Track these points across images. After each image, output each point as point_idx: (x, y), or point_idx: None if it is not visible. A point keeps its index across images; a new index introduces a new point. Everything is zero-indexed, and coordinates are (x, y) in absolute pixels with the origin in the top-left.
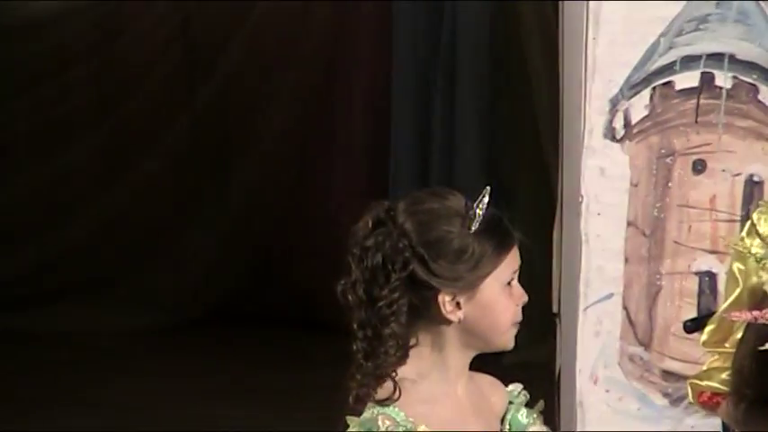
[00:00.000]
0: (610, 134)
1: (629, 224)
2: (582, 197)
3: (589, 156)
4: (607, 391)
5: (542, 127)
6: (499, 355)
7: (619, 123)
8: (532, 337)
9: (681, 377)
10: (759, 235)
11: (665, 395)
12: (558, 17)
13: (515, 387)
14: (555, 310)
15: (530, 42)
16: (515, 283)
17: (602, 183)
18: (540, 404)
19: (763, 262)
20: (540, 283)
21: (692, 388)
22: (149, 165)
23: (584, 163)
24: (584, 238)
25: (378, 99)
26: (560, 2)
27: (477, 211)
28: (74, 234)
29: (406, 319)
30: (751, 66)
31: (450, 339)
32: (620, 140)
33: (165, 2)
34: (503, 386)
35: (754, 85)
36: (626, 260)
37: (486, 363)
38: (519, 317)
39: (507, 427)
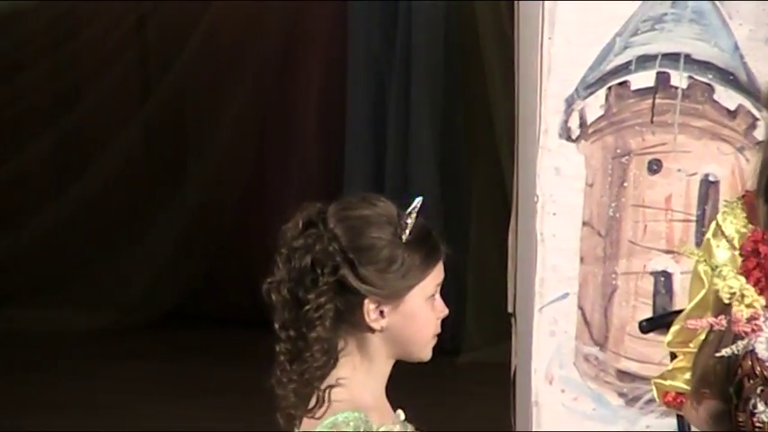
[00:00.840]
0: (565, 134)
1: (584, 224)
2: (537, 197)
3: (544, 155)
4: (563, 390)
5: (498, 127)
6: (455, 355)
7: (574, 123)
8: (488, 337)
9: (636, 377)
10: (725, 236)
11: (621, 395)
12: (513, 17)
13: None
14: (510, 309)
15: (485, 42)
16: (438, 296)
17: (557, 182)
18: (399, 413)
19: (718, 270)
20: (496, 283)
21: (656, 388)
22: (104, 165)
23: (540, 163)
24: (539, 237)
25: (333, 100)
26: (516, 2)
27: (409, 220)
28: (27, 234)
29: (332, 323)
30: (707, 65)
31: (376, 346)
32: (576, 140)
33: (120, 2)
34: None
35: (709, 84)
36: (581, 260)
37: (440, 363)
38: (438, 329)
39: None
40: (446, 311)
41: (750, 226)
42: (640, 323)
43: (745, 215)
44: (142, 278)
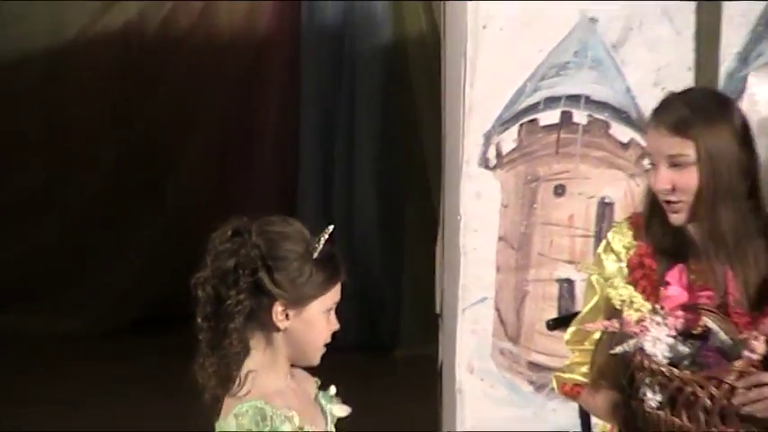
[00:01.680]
0: (484, 163)
1: (500, 239)
2: (460, 216)
3: (466, 181)
4: (482, 379)
5: (428, 157)
6: (392, 349)
7: (492, 154)
8: (421, 335)
9: (544, 368)
10: (613, 251)
11: (531, 383)
12: (440, 62)
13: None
14: (438, 311)
15: (418, 83)
16: (333, 313)
17: (477, 204)
18: (332, 389)
19: (609, 281)
20: (427, 288)
21: (556, 380)
22: (85, 181)
23: (463, 187)
24: (462, 250)
25: (288, 135)
26: (442, 52)
27: (320, 242)
28: (17, 246)
29: (245, 319)
30: (603, 105)
31: (278, 344)
32: (493, 168)
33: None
34: (311, 376)
35: (606, 121)
36: (497, 269)
37: (378, 357)
38: (329, 340)
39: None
40: (338, 326)
41: (635, 242)
42: (547, 322)
43: (631, 233)
44: (114, 285)
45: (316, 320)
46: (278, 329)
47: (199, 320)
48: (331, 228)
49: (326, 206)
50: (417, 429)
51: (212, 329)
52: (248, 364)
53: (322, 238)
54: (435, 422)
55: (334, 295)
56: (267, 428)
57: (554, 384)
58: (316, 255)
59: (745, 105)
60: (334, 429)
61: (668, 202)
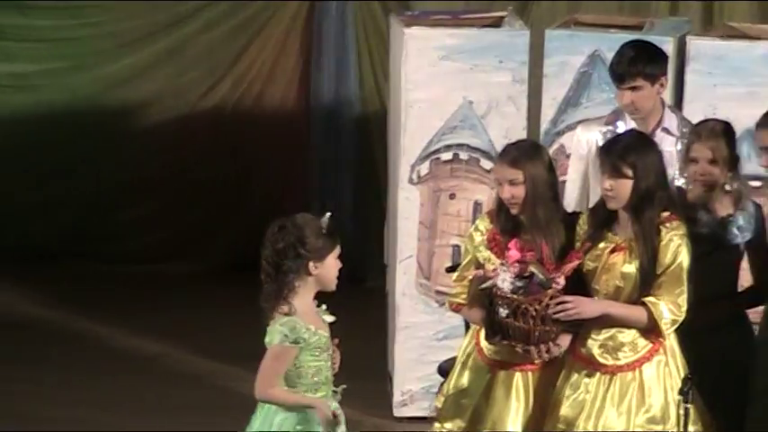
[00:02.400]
0: (411, 181)
1: (420, 222)
2: (398, 212)
3: (401, 191)
4: (410, 300)
5: (381, 178)
6: (363, 281)
7: (415, 176)
8: (382, 274)
9: (444, 294)
10: (479, 230)
11: (437, 302)
12: (387, 124)
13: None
14: (385, 262)
15: (374, 117)
16: (337, 259)
17: (407, 204)
18: (323, 306)
19: (477, 247)
20: (380, 249)
21: (448, 302)
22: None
23: (399, 194)
24: (399, 229)
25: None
26: (388, 118)
27: (325, 222)
28: None
29: (297, 275)
30: (476, 150)
31: (311, 282)
32: (416, 184)
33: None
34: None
35: (478, 158)
36: (418, 239)
37: (354, 285)
38: (337, 274)
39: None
40: (340, 265)
41: (490, 226)
42: (446, 268)
43: (488, 220)
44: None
45: (331, 265)
46: (311, 275)
47: (263, 277)
48: (329, 215)
49: (331, 198)
50: (378, 324)
51: (273, 281)
52: (290, 297)
53: (326, 221)
54: (386, 322)
55: (338, 249)
56: (296, 335)
57: (447, 304)
58: (324, 230)
59: (573, 147)
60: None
61: (509, 203)
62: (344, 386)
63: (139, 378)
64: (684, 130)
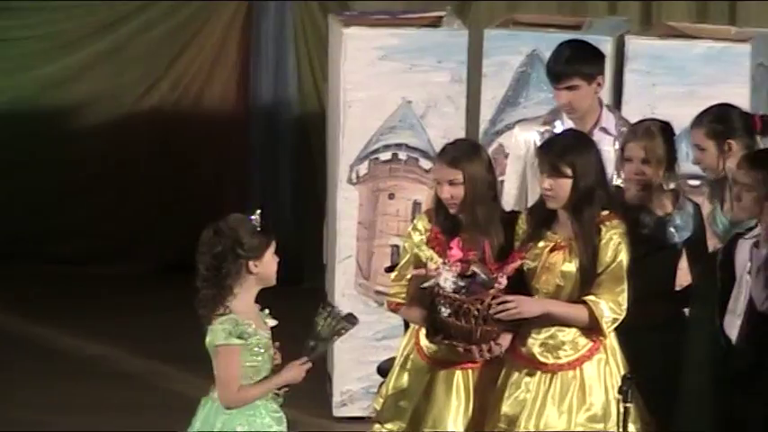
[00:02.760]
0: (350, 181)
1: (359, 223)
2: (337, 211)
3: (340, 191)
4: (349, 300)
5: (320, 175)
6: (300, 282)
7: (354, 176)
8: (317, 275)
9: (383, 294)
10: (418, 230)
11: (376, 302)
12: (325, 125)
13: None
14: (324, 262)
15: (313, 120)
16: (275, 255)
17: (346, 204)
18: (266, 310)
19: (419, 246)
20: (319, 248)
21: (387, 301)
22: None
23: (338, 195)
24: (338, 229)
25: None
26: (327, 119)
27: (257, 221)
28: None
29: (228, 275)
30: (415, 149)
31: (251, 281)
32: (355, 184)
33: None
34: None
35: (417, 158)
36: (357, 239)
37: (292, 286)
38: (276, 269)
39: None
40: (277, 259)
41: (430, 225)
42: (385, 268)
43: (427, 219)
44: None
45: (269, 261)
46: (252, 274)
47: (200, 283)
48: (258, 211)
49: (269, 199)
50: None
51: (212, 285)
52: (228, 299)
53: (257, 218)
54: None
55: (273, 245)
56: (239, 330)
57: (386, 303)
58: (258, 228)
59: (511, 147)
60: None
61: (448, 203)
62: (287, 389)
63: (80, 379)
64: (622, 129)
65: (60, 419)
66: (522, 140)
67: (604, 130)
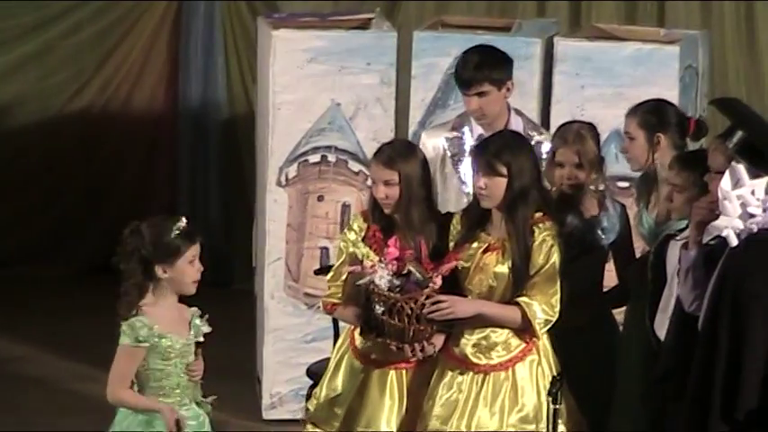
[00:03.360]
0: (279, 183)
1: (288, 225)
2: (266, 213)
3: (269, 193)
4: (278, 302)
5: (248, 177)
6: (230, 285)
7: (283, 178)
8: (246, 277)
9: (313, 296)
10: (353, 230)
11: (305, 304)
12: (255, 127)
13: (196, 311)
14: (254, 265)
15: (247, 138)
16: (196, 262)
17: (275, 206)
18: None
19: (355, 244)
20: (248, 251)
21: (322, 302)
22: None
23: (268, 197)
24: (267, 231)
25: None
26: (257, 121)
27: (176, 226)
28: None
29: (143, 277)
30: (344, 151)
31: (164, 286)
32: (284, 186)
33: None
34: (187, 308)
35: (346, 160)
36: (287, 242)
37: (220, 288)
38: (195, 277)
39: (193, 330)
40: (201, 269)
41: (365, 225)
42: (314, 270)
43: (361, 219)
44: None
45: (183, 269)
46: (159, 278)
47: (124, 278)
48: (184, 219)
49: (198, 201)
50: (246, 327)
51: (124, 284)
52: (139, 300)
53: (177, 225)
54: (254, 325)
55: (193, 251)
56: (135, 334)
57: (322, 305)
58: (173, 235)
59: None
60: (195, 339)
61: (383, 203)
62: (215, 397)
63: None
64: (530, 132)
65: None
66: (431, 146)
67: None
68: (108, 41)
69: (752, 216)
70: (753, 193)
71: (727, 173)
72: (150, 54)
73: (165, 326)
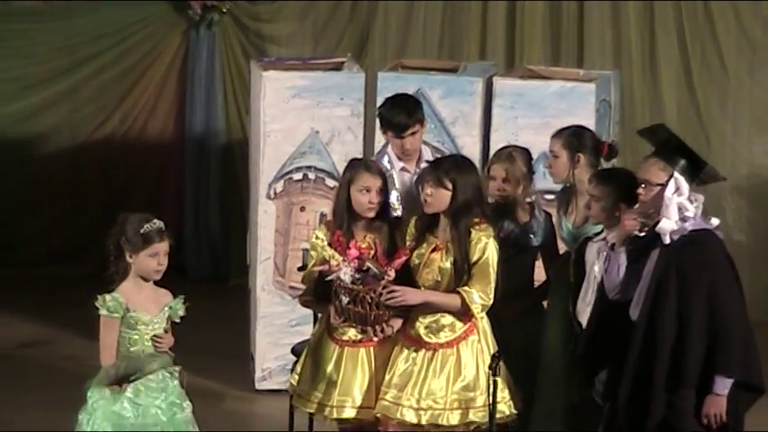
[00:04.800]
0: (269, 196)
1: (276, 231)
2: (258, 223)
3: (260, 205)
4: (268, 294)
5: (243, 192)
6: (227, 280)
7: (272, 192)
8: (242, 273)
9: (296, 289)
10: (318, 237)
11: (290, 295)
12: (248, 150)
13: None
14: (248, 262)
15: (241, 157)
16: (161, 256)
17: (266, 217)
18: (178, 369)
19: (324, 248)
20: (243, 253)
21: (299, 299)
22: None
23: (259, 208)
24: (259, 235)
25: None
26: (250, 146)
27: (146, 226)
28: None
29: (117, 260)
30: (323, 171)
31: (134, 269)
32: (272, 199)
33: None
34: (169, 293)
35: (323, 178)
36: (275, 244)
37: (220, 283)
38: (159, 268)
39: (168, 310)
40: (164, 265)
41: (327, 233)
42: (298, 267)
43: (326, 229)
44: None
45: (143, 260)
46: (127, 262)
47: (109, 258)
48: (157, 221)
49: (201, 212)
50: (242, 315)
51: (110, 266)
52: (118, 278)
53: (150, 224)
54: (248, 313)
55: (155, 249)
56: (106, 306)
57: (298, 300)
58: (143, 230)
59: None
60: (165, 322)
61: (371, 207)
62: (179, 367)
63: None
64: (436, 155)
65: None
66: None
67: (427, 161)
68: (127, 81)
69: (685, 219)
70: (688, 199)
71: (671, 182)
72: (162, 92)
73: (134, 303)
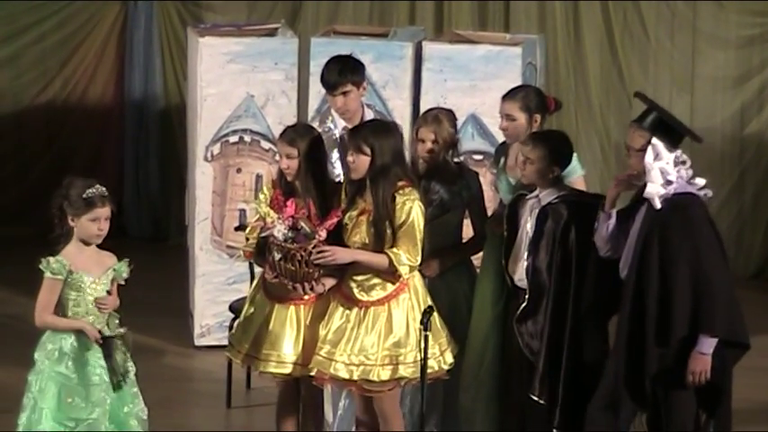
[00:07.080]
0: (206, 158)
1: (213, 191)
2: (195, 183)
3: (198, 167)
4: (206, 253)
5: (181, 154)
6: (167, 239)
7: (209, 154)
8: (183, 233)
9: (233, 248)
10: (263, 193)
11: (227, 254)
12: (186, 114)
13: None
14: (186, 223)
15: (179, 120)
16: (102, 221)
17: (203, 178)
18: (121, 331)
19: (260, 205)
20: (181, 213)
21: (243, 251)
22: None
23: (197, 169)
24: (197, 197)
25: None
26: (188, 109)
27: (89, 191)
28: None
29: (60, 223)
30: (258, 134)
31: (76, 233)
32: (210, 161)
33: None
34: (114, 256)
35: (259, 140)
36: (212, 204)
37: (159, 243)
38: (99, 233)
39: (112, 272)
40: (105, 229)
41: (270, 191)
42: (234, 227)
43: (271, 186)
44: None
45: (84, 224)
46: (70, 225)
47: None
48: (99, 186)
49: (141, 174)
50: (180, 273)
51: (55, 228)
52: (63, 240)
53: (91, 191)
54: (187, 272)
55: (96, 213)
56: (50, 268)
57: (241, 253)
58: (85, 195)
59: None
60: (109, 284)
61: (286, 173)
62: (122, 330)
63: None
64: (378, 117)
65: None
66: None
67: None
68: (67, 48)
69: (669, 183)
70: (668, 163)
71: (649, 149)
72: (102, 58)
73: (77, 265)
